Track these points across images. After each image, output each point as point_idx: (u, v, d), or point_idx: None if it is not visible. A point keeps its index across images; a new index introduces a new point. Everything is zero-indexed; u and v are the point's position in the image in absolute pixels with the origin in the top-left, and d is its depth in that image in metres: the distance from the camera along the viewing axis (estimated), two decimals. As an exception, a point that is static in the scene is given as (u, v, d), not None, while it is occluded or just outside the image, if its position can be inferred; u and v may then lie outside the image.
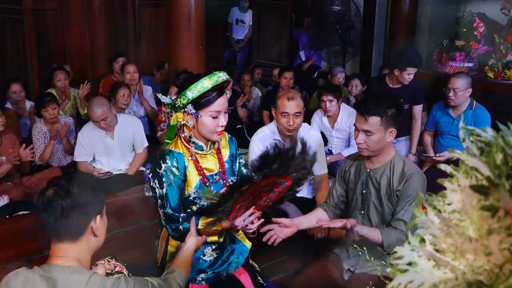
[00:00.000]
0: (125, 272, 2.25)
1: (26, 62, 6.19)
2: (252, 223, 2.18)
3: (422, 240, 0.73)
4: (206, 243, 2.31)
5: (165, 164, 2.18)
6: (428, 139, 4.50)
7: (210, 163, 2.30)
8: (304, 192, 3.52)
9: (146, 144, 4.34)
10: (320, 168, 3.44)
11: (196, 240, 2.13)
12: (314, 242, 3.13)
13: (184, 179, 2.23)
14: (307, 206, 3.19)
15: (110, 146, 4.18)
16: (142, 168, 4.17)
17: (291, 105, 3.15)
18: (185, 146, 2.25)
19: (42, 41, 6.35)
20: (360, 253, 2.44)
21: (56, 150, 4.51)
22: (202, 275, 2.37)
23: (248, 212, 2.14)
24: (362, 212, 2.57)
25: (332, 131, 4.61)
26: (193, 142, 2.24)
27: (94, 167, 4.20)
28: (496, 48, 5.39)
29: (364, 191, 2.55)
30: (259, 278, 2.50)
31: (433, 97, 4.73)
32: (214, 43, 8.05)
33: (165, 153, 2.22)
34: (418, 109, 4.44)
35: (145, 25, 7.42)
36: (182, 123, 2.25)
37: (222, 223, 2.16)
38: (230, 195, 2.01)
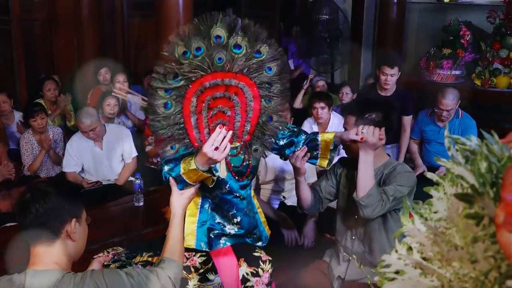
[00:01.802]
0: (123, 258, 2.26)
1: (13, 72, 6.16)
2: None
3: (409, 248, 0.74)
4: (237, 209, 2.22)
5: None
6: (414, 147, 4.50)
7: None
8: (294, 200, 3.50)
9: (135, 153, 4.32)
10: (309, 177, 3.45)
11: (181, 200, 1.86)
12: (304, 250, 3.13)
13: None
14: (298, 215, 3.18)
15: (99, 156, 4.16)
16: (132, 178, 4.14)
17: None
18: None
19: (30, 51, 6.32)
20: (350, 259, 2.44)
21: (44, 160, 4.47)
22: (225, 238, 2.27)
23: (215, 134, 1.78)
24: (356, 217, 2.53)
25: (322, 139, 4.61)
26: None
27: (83, 178, 4.18)
28: (482, 56, 5.46)
29: None
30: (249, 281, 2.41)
31: (420, 104, 4.76)
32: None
33: None
34: (407, 120, 4.39)
35: (133, 35, 7.41)
36: None
37: (194, 158, 1.82)
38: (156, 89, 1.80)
